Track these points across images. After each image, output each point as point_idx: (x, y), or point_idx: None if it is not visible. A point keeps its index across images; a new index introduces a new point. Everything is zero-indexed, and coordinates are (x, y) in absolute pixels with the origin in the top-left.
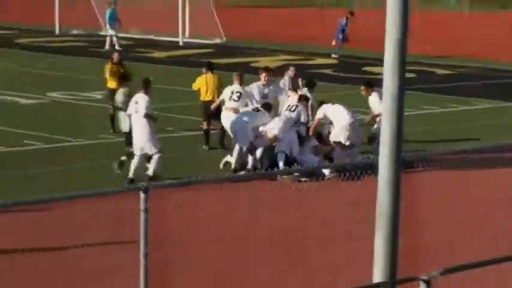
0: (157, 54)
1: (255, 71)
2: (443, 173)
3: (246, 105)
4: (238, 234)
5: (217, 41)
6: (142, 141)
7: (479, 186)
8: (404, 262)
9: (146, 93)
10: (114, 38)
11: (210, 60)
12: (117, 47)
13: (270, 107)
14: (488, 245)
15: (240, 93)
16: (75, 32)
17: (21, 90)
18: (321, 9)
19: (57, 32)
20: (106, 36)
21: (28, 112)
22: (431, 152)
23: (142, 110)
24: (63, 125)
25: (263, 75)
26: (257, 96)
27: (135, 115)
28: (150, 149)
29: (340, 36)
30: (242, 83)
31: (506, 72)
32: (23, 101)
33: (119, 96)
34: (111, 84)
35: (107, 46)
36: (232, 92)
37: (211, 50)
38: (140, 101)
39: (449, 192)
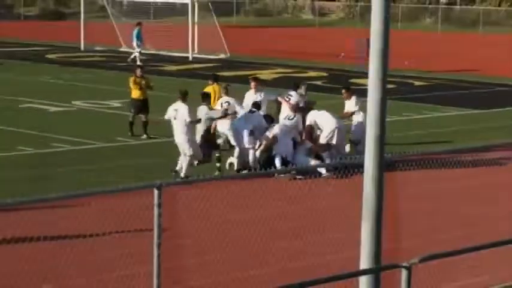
0: (169, 67)
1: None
2: (420, 172)
3: (235, 112)
4: (242, 226)
5: (222, 56)
6: (179, 144)
7: (451, 182)
8: (388, 248)
9: (184, 101)
10: (137, 54)
11: (215, 72)
12: (138, 62)
13: (259, 106)
14: (460, 233)
15: (228, 102)
16: (97, 48)
17: (50, 99)
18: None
19: (82, 48)
20: (128, 51)
21: (56, 118)
22: (410, 153)
23: (185, 118)
24: (86, 130)
25: (252, 84)
26: (249, 101)
27: (174, 121)
28: (188, 151)
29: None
30: (228, 93)
31: (475, 83)
32: (52, 108)
33: (201, 112)
34: (135, 94)
35: (129, 60)
36: (221, 103)
37: (216, 64)
38: (181, 109)
39: (426, 188)
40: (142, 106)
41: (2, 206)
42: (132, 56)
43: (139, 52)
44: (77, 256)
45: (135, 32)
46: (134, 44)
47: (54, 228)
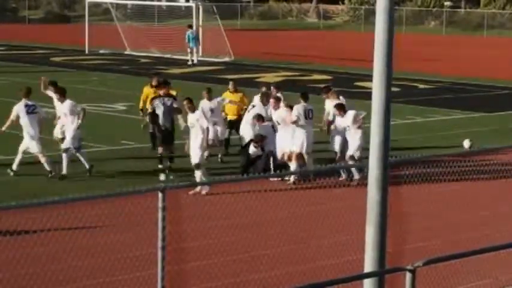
0: (174, 70)
1: (260, 86)
2: (424, 175)
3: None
4: (246, 229)
5: (227, 59)
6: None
7: (456, 185)
8: (392, 251)
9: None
10: (190, 56)
11: (222, 76)
12: (189, 63)
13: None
14: (464, 236)
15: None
16: (102, 51)
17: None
18: None
19: (86, 51)
20: (132, 54)
21: None
22: (413, 156)
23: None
24: (91, 133)
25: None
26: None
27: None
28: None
29: None
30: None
31: (480, 86)
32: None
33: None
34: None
35: (190, 62)
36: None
37: (221, 67)
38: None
39: (430, 191)
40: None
41: (5, 208)
42: (193, 60)
43: (192, 53)
44: (80, 259)
45: (190, 35)
46: (190, 45)
47: (56, 231)
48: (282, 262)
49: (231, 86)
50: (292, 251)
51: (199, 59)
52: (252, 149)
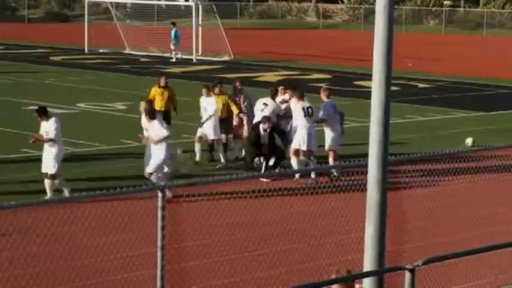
0: (173, 69)
1: (259, 85)
2: (423, 173)
3: None
4: (246, 228)
5: (226, 58)
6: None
7: (455, 184)
8: (391, 250)
9: (273, 98)
10: (174, 53)
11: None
12: (173, 59)
13: None
14: (464, 236)
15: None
16: (101, 50)
17: (54, 101)
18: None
19: (86, 50)
20: (132, 53)
21: (60, 121)
22: (413, 155)
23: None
24: (90, 132)
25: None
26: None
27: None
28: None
29: None
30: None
31: (479, 86)
32: (56, 111)
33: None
34: (156, 105)
35: (174, 59)
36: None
37: (220, 66)
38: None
39: (429, 190)
40: (163, 118)
41: (5, 208)
42: (175, 56)
43: (176, 51)
44: (80, 259)
45: (173, 32)
46: (173, 43)
47: (57, 230)
48: (281, 261)
49: (217, 89)
50: (292, 251)
51: (199, 58)
52: (261, 131)
